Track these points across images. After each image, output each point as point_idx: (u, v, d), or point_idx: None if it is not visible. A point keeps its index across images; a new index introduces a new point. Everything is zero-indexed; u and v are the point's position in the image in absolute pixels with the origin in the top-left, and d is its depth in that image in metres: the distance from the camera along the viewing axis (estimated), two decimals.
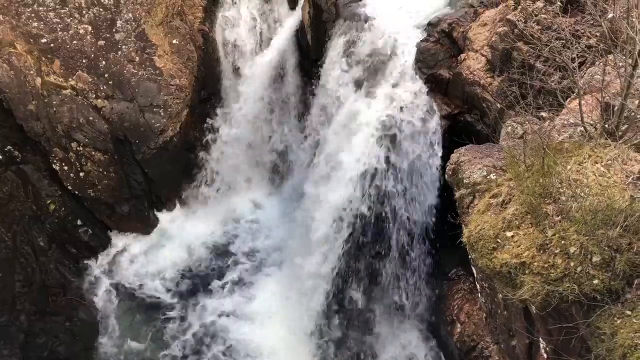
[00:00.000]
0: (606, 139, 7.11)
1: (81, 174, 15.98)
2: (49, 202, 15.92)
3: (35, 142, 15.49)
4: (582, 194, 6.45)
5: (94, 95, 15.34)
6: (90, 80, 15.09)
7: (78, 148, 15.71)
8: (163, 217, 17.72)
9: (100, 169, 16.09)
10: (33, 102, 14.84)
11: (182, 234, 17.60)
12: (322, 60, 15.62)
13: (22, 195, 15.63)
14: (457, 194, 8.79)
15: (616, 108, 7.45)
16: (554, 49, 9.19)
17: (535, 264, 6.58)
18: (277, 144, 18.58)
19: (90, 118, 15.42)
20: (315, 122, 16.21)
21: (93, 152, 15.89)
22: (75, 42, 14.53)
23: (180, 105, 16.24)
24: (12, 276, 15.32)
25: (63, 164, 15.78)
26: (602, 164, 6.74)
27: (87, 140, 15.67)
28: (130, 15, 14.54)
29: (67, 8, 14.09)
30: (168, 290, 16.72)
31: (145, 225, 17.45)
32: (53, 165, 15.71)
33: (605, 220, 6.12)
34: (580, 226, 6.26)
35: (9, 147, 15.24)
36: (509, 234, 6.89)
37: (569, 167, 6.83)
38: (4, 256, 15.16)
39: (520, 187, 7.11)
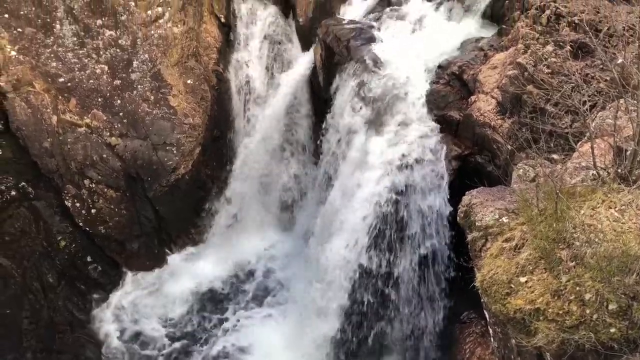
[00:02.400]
0: (619, 183, 7.07)
1: (93, 211, 16.08)
2: (59, 238, 15.99)
3: (48, 178, 15.67)
4: (597, 240, 6.37)
5: (108, 133, 15.57)
6: (105, 118, 15.34)
7: (91, 185, 15.87)
8: (172, 255, 17.70)
9: (112, 206, 16.20)
10: (48, 140, 15.08)
11: (190, 272, 17.52)
12: (333, 100, 15.81)
13: (34, 232, 15.72)
14: (469, 237, 8.72)
15: (629, 153, 7.43)
16: (565, 93, 9.24)
17: (550, 310, 6.46)
18: (288, 182, 18.65)
19: (104, 155, 15.62)
20: (327, 161, 16.28)
21: (105, 189, 16.02)
22: (91, 81, 14.85)
23: (193, 144, 16.42)
24: (19, 313, 15.28)
25: (75, 200, 15.90)
26: (616, 209, 6.69)
27: (100, 177, 15.83)
28: (146, 56, 14.87)
29: (85, 49, 14.45)
30: (174, 331, 16.52)
31: (154, 263, 17.42)
32: (65, 202, 15.83)
33: (621, 267, 6.03)
34: (595, 272, 6.17)
35: (23, 183, 15.41)
36: (522, 279, 6.80)
37: (582, 211, 6.78)
38: (12, 292, 15.15)
39: (533, 231, 7.05)
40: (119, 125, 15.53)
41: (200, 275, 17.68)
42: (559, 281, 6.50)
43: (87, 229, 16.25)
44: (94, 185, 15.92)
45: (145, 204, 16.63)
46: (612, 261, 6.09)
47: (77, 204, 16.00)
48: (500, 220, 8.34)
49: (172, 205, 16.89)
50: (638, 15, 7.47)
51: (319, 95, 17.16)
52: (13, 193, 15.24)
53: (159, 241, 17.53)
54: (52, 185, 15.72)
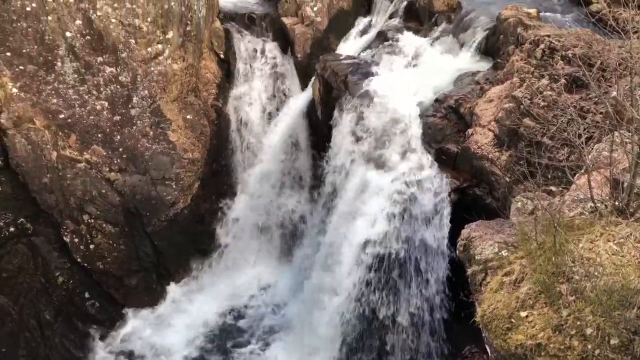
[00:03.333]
0: (617, 216, 7.07)
1: (91, 246, 16.02)
2: (57, 274, 15.89)
3: (47, 214, 15.65)
4: (596, 273, 6.33)
5: (108, 169, 15.63)
6: (104, 153, 15.42)
7: (89, 220, 15.84)
8: (171, 290, 17.53)
9: (111, 242, 16.14)
10: (48, 175, 15.12)
11: (189, 308, 17.32)
12: (332, 134, 15.92)
13: (32, 268, 15.63)
14: (469, 271, 8.66)
15: (625, 185, 7.46)
16: (560, 126, 9.32)
17: (552, 345, 6.37)
18: (288, 215, 18.63)
19: (103, 191, 15.64)
20: (326, 194, 16.31)
21: (104, 225, 15.99)
22: (92, 117, 14.98)
23: (192, 178, 16.47)
24: (15, 351, 15.08)
25: (74, 236, 15.86)
26: (615, 242, 6.67)
27: (98, 212, 15.82)
28: (146, 92, 15.04)
29: (86, 85, 14.63)
30: None
31: (152, 298, 17.25)
32: (64, 238, 15.78)
33: (622, 300, 5.98)
34: (595, 307, 6.10)
35: (21, 219, 15.39)
36: (523, 313, 6.72)
37: (581, 245, 6.75)
38: (9, 330, 14.98)
39: (532, 265, 7.01)
40: (119, 161, 15.59)
41: (200, 311, 17.46)
42: (559, 316, 6.43)
43: (86, 264, 16.16)
44: (92, 221, 15.90)
45: (143, 239, 16.58)
46: (613, 295, 6.04)
47: (76, 240, 15.94)
48: (500, 253, 8.30)
49: (171, 240, 16.83)
50: (629, 49, 7.58)
51: (318, 129, 17.30)
52: (11, 229, 15.22)
53: (158, 276, 17.40)
54: (50, 221, 15.69)
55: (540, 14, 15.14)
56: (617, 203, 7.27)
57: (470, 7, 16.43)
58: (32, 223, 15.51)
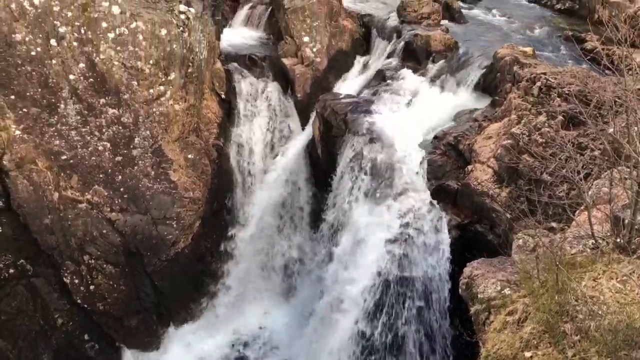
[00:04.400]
0: (619, 253, 7.04)
1: (91, 287, 15.90)
2: (57, 316, 15.72)
3: (48, 255, 15.58)
4: (600, 312, 6.27)
5: (109, 209, 15.63)
6: (106, 194, 15.45)
7: (90, 261, 15.76)
8: (171, 331, 17.30)
9: (111, 282, 16.02)
10: (49, 216, 15.12)
11: (190, 349, 17.07)
12: (332, 172, 16.00)
13: (31, 310, 15.48)
14: (472, 310, 8.57)
15: (626, 221, 7.44)
16: (559, 163, 9.36)
17: None
18: (288, 254, 18.54)
19: (104, 231, 15.61)
20: (326, 233, 16.28)
21: (104, 265, 15.90)
22: (93, 158, 15.07)
23: (193, 217, 16.45)
24: None
25: (74, 277, 15.75)
26: (618, 279, 6.62)
27: (99, 253, 15.75)
28: (148, 132, 15.17)
29: (88, 127, 14.77)
30: None
31: (153, 339, 17.01)
32: (64, 279, 15.68)
33: (627, 340, 5.90)
34: (601, 347, 6.02)
35: (22, 260, 15.32)
36: (527, 354, 6.62)
37: (583, 283, 6.71)
38: None
39: (535, 304, 6.94)
40: (120, 201, 15.62)
41: (201, 351, 17.22)
42: (564, 356, 6.33)
43: (86, 305, 16.00)
44: (93, 261, 15.81)
45: (144, 279, 16.45)
46: (617, 334, 5.96)
47: (76, 281, 15.83)
48: (503, 292, 8.24)
49: (171, 280, 16.70)
50: (624, 87, 7.68)
51: (318, 167, 17.39)
52: (11, 271, 15.13)
53: (158, 317, 17.19)
54: (51, 262, 15.61)
55: (536, 52, 15.41)
56: (618, 240, 7.24)
57: (466, 46, 16.76)
58: (32, 264, 15.43)
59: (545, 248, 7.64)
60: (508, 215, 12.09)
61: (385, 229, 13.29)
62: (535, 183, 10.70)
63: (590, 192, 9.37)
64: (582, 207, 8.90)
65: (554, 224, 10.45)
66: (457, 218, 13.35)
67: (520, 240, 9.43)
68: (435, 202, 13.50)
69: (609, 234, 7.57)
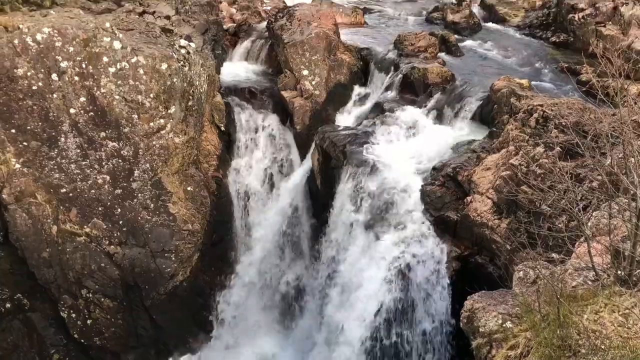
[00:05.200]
0: (620, 286, 6.99)
1: (89, 322, 15.72)
2: (53, 351, 15.51)
3: (45, 289, 15.46)
4: (603, 346, 6.19)
5: (108, 242, 15.57)
6: (104, 227, 15.40)
7: (87, 295, 15.63)
8: None
9: (108, 316, 15.85)
10: (47, 250, 15.06)
11: None
12: (331, 203, 16.00)
13: (27, 345, 15.28)
14: (473, 344, 8.46)
15: (627, 253, 7.41)
16: (558, 194, 9.37)
17: None
18: (288, 286, 18.37)
19: (102, 265, 15.52)
20: (326, 265, 16.18)
21: (102, 299, 15.76)
22: (93, 191, 15.07)
23: (191, 250, 16.37)
24: None
25: (71, 311, 15.60)
26: (620, 313, 6.56)
27: (97, 287, 15.62)
28: (147, 165, 15.21)
29: (88, 160, 14.82)
30: None
31: None
32: (61, 313, 15.53)
33: None
34: None
35: (18, 294, 15.20)
36: None
37: (585, 316, 6.64)
38: None
39: (537, 338, 6.86)
40: (119, 234, 15.56)
41: None
42: None
43: (82, 340, 15.80)
44: (90, 295, 15.68)
45: (142, 313, 16.28)
46: None
47: (73, 315, 15.67)
48: (504, 325, 8.13)
49: (169, 314, 16.52)
50: (620, 119, 7.74)
51: (318, 198, 17.38)
52: (8, 305, 14.99)
53: (156, 352, 16.94)
54: (48, 296, 15.48)
55: (532, 84, 15.59)
56: (619, 272, 7.20)
57: (463, 78, 16.98)
58: (28, 299, 15.30)
59: (546, 281, 7.59)
60: (508, 247, 12.05)
61: (384, 261, 13.21)
62: (534, 215, 10.68)
63: (589, 224, 9.35)
64: (581, 239, 8.86)
65: (554, 255, 10.38)
66: (457, 250, 13.30)
67: (521, 272, 9.36)
68: (435, 233, 13.45)
69: (609, 266, 7.53)
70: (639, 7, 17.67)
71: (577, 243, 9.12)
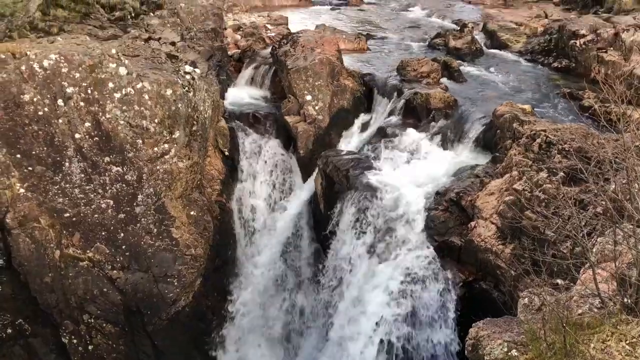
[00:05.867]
0: (627, 314, 6.91)
1: (90, 347, 15.59)
2: None
3: (46, 314, 15.38)
4: None
5: (110, 267, 15.52)
6: (107, 252, 15.38)
7: (89, 320, 15.53)
8: None
9: (110, 342, 15.73)
10: (50, 275, 15.01)
11: None
12: (335, 228, 15.95)
13: None
14: None
15: (632, 279, 7.34)
16: (562, 218, 9.34)
17: None
18: (291, 311, 18.25)
19: (105, 289, 15.45)
20: (329, 290, 16.07)
21: (104, 324, 15.66)
22: (96, 215, 15.09)
23: (194, 275, 16.30)
24: None
25: (73, 336, 15.48)
26: (627, 342, 6.47)
27: (99, 312, 15.54)
28: (151, 190, 15.24)
29: (92, 185, 14.86)
30: None
31: None
32: (62, 339, 15.41)
33: None
34: None
35: (20, 320, 15.12)
36: None
37: (592, 345, 6.55)
38: None
39: None
40: (121, 258, 15.53)
41: None
42: None
43: None
44: (92, 321, 15.58)
45: (144, 338, 16.14)
46: None
47: (75, 341, 15.55)
48: (510, 353, 8.02)
49: (172, 339, 16.37)
50: (623, 146, 7.76)
51: (320, 223, 17.34)
52: (9, 331, 14.90)
53: None
54: (49, 321, 15.39)
55: (534, 109, 15.65)
56: (625, 300, 7.13)
57: (466, 104, 17.07)
58: (30, 324, 15.21)
59: (552, 308, 7.51)
60: (512, 272, 11.96)
61: (387, 287, 13.12)
62: (538, 241, 10.62)
63: (594, 249, 9.29)
64: (586, 265, 8.80)
65: (559, 281, 10.30)
66: (461, 275, 13.21)
67: (526, 299, 9.28)
68: (438, 259, 13.37)
69: (615, 293, 7.45)
70: (639, 33, 17.83)
71: (582, 269, 9.06)
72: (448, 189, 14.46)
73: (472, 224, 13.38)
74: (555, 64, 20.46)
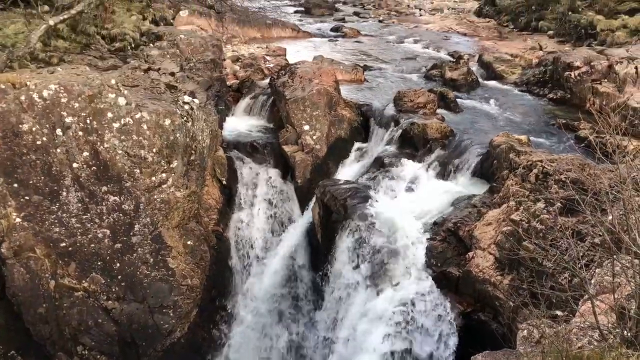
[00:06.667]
0: (627, 348, 6.84)
1: None
2: None
3: (39, 345, 15.14)
4: None
5: (105, 297, 15.36)
6: (103, 282, 15.24)
7: (83, 352, 15.29)
8: None
9: None
10: (44, 305, 14.84)
11: None
12: (332, 258, 15.88)
13: None
14: None
15: (632, 312, 7.30)
16: (560, 249, 9.32)
17: None
18: (287, 344, 18.00)
19: (99, 320, 15.27)
20: (326, 322, 15.92)
21: (98, 356, 15.41)
22: (92, 245, 14.99)
23: (190, 305, 16.13)
24: None
25: None
26: None
27: (93, 343, 15.31)
28: (148, 219, 15.19)
29: (89, 214, 14.81)
30: None
31: None
32: None
33: None
34: None
35: (12, 351, 14.87)
36: None
37: None
38: None
39: None
40: (117, 289, 15.38)
41: None
42: None
43: None
44: (86, 352, 15.34)
45: None
46: None
47: None
48: None
49: None
50: (619, 177, 7.80)
51: (318, 252, 17.28)
52: None
53: None
54: (42, 353, 15.14)
55: (530, 139, 15.76)
56: (625, 333, 7.07)
57: (462, 134, 17.19)
58: (22, 356, 14.95)
59: (551, 341, 7.44)
60: (511, 304, 11.89)
61: (385, 320, 12.99)
62: (536, 272, 10.58)
63: (592, 281, 9.25)
64: (585, 297, 8.75)
65: (558, 312, 10.24)
66: (459, 306, 13.11)
67: (525, 331, 9.20)
68: (437, 290, 13.29)
69: (614, 326, 7.40)
70: (633, 65, 18.09)
71: (581, 301, 9.01)
72: (446, 219, 14.46)
73: (470, 254, 13.35)
74: (551, 95, 20.69)
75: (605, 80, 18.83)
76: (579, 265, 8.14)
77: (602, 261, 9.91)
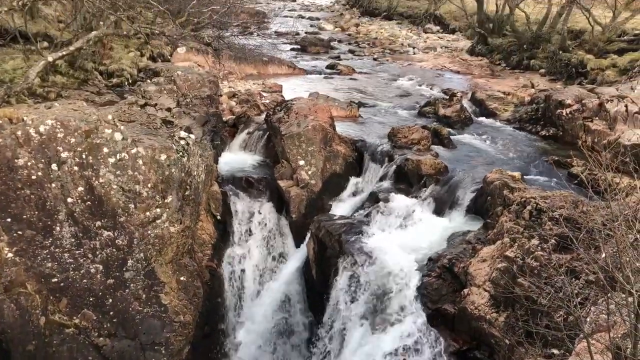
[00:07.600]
0: None
1: None
2: None
3: None
4: None
5: (97, 334, 15.12)
6: (94, 318, 15.03)
7: None
8: None
9: None
10: (33, 342, 14.58)
11: None
12: (327, 294, 15.77)
13: None
14: None
15: (628, 352, 7.26)
16: (555, 289, 9.31)
17: None
18: None
19: (90, 358, 14.99)
20: (322, 357, 15.68)
21: None
22: (85, 280, 14.84)
23: (182, 343, 15.88)
24: None
25: None
26: None
27: None
28: (141, 255, 15.09)
29: (82, 249, 14.70)
30: None
31: None
32: None
33: None
34: None
35: None
36: None
37: None
38: None
39: None
40: (108, 325, 15.15)
41: None
42: None
43: None
44: None
45: None
46: None
47: None
48: None
49: None
50: (611, 216, 7.86)
51: (313, 288, 17.16)
52: None
53: None
54: None
55: (524, 176, 15.89)
56: None
57: (456, 170, 17.30)
58: None
59: None
60: (507, 342, 11.78)
61: (380, 358, 12.82)
62: (531, 310, 10.52)
63: (588, 319, 9.22)
64: (581, 335, 8.70)
65: (555, 351, 10.16)
66: (455, 344, 12.97)
67: None
68: (432, 327, 13.17)
69: None
70: (622, 104, 18.40)
71: (577, 339, 8.95)
72: (441, 255, 14.43)
73: (465, 291, 13.29)
74: (543, 132, 20.93)
75: (597, 118, 19.10)
76: (574, 303, 8.13)
77: (597, 299, 9.90)
